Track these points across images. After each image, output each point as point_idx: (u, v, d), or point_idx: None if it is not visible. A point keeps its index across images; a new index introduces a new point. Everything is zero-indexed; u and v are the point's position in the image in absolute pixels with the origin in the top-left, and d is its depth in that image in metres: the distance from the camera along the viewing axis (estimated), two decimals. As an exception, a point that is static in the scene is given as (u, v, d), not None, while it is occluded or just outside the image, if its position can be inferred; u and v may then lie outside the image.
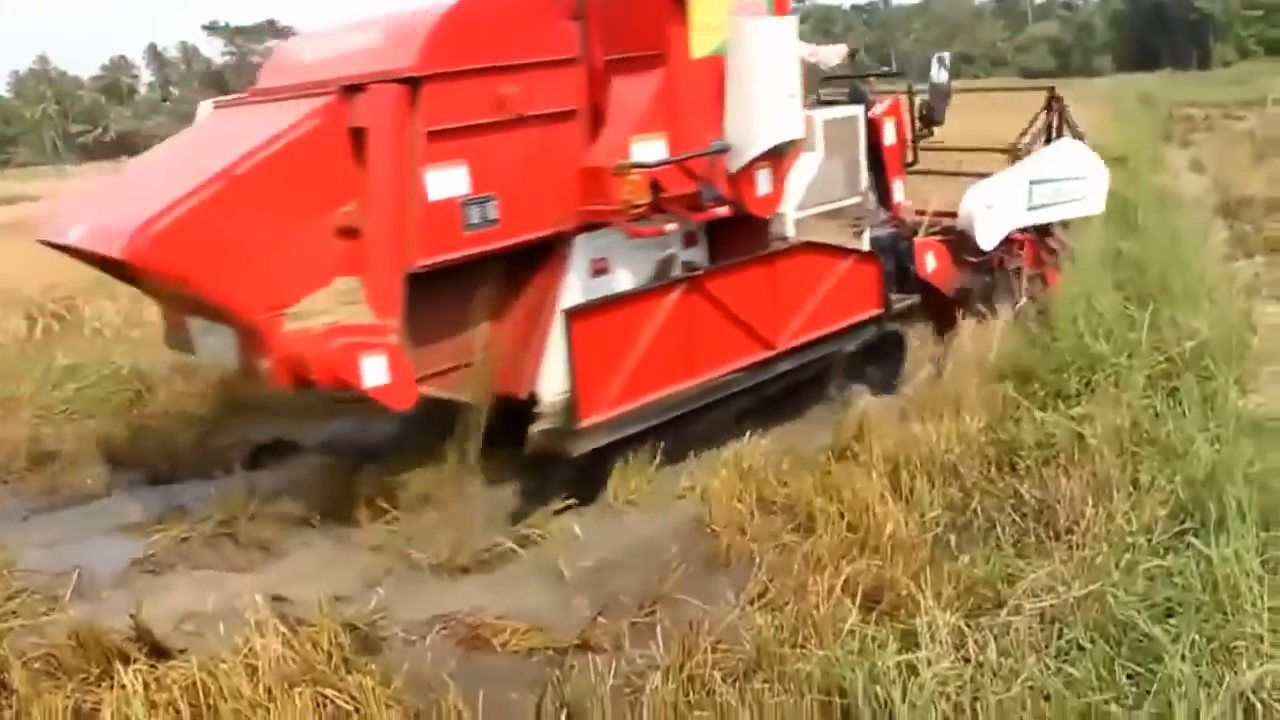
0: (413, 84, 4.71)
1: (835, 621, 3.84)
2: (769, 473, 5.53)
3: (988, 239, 7.47)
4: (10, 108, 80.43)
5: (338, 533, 5.48)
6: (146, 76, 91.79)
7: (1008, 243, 7.74)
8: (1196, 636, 3.35)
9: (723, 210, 5.81)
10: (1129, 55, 69.64)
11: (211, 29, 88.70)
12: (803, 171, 6.52)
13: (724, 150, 5.70)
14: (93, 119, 78.56)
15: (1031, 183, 7.62)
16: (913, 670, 3.38)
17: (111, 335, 10.01)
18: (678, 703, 3.50)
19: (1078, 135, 8.39)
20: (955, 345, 7.15)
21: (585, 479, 5.52)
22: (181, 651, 3.98)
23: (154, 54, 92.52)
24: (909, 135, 7.85)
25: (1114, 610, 3.59)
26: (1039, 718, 3.20)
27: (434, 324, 5.08)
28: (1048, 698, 3.24)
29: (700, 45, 5.59)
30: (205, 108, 6.05)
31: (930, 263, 7.42)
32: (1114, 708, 3.18)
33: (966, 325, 7.27)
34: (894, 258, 7.22)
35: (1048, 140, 8.31)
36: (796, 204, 6.48)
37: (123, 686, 3.58)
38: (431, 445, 5.49)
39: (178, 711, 3.52)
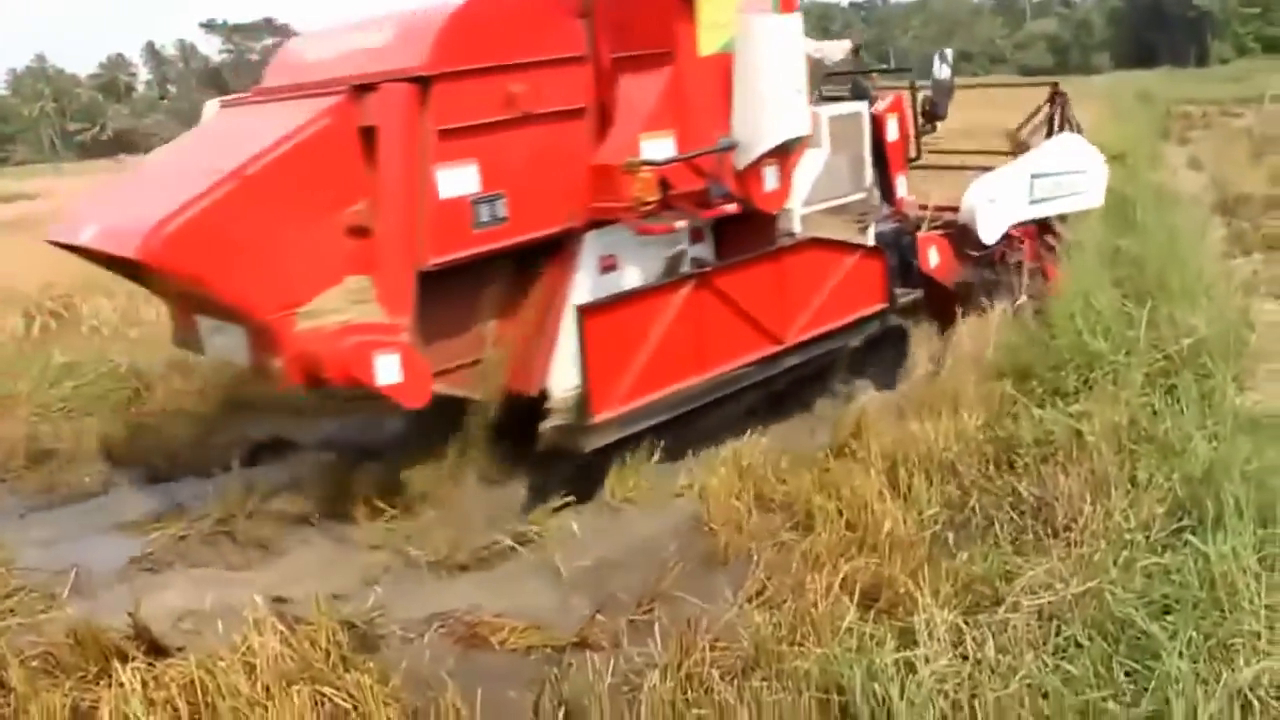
0: (423, 83, 4.71)
1: (833, 619, 3.83)
2: (767, 470, 5.52)
3: (990, 233, 7.47)
4: (8, 106, 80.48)
5: (336, 531, 5.47)
6: (144, 74, 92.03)
7: (1008, 237, 7.75)
8: (1194, 634, 3.35)
9: (731, 207, 5.81)
10: (1127, 52, 69.79)
11: (209, 27, 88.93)
12: (809, 167, 6.52)
13: (732, 147, 5.70)
14: (90, 117, 78.59)
15: (1033, 176, 7.62)
16: (911, 668, 3.38)
17: (109, 333, 9.98)
18: (676, 701, 3.50)
19: (1078, 130, 8.40)
20: (954, 342, 7.15)
21: (584, 477, 5.52)
22: (179, 649, 3.97)
23: (152, 52, 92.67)
24: (911, 131, 7.86)
25: (1112, 607, 3.59)
26: (1037, 715, 3.20)
27: (444, 322, 5.08)
28: (1046, 695, 3.24)
29: (708, 43, 5.59)
30: (211, 107, 6.02)
31: (933, 257, 7.42)
32: (1112, 705, 3.17)
33: (965, 322, 7.26)
34: (897, 253, 7.22)
35: (1049, 134, 8.32)
36: (803, 200, 6.49)
37: (121, 684, 3.58)
38: (430, 443, 5.49)
39: (176, 709, 3.52)
